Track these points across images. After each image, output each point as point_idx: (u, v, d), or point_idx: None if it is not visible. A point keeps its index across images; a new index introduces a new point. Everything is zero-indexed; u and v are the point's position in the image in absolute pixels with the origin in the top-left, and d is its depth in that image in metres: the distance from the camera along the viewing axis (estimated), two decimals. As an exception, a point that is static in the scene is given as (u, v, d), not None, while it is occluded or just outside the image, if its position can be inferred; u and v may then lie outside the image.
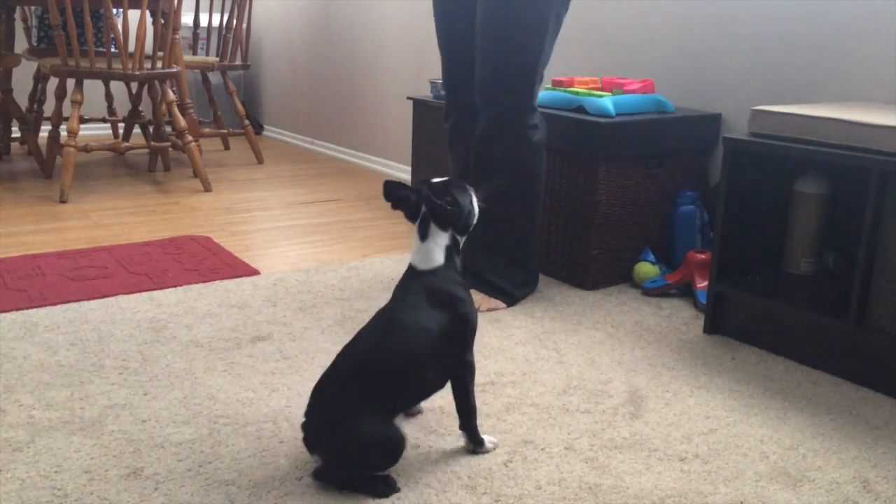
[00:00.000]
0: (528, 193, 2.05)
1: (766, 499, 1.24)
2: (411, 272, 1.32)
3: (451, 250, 1.32)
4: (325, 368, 1.23)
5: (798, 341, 1.75)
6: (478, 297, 2.00)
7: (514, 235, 2.07)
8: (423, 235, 1.30)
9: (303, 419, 1.26)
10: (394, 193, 1.31)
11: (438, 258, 1.30)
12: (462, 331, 1.30)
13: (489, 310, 2.01)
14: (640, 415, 1.49)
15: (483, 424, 1.41)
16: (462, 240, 1.35)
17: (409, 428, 1.40)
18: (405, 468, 1.28)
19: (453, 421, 1.41)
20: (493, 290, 2.05)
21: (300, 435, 1.35)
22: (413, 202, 1.31)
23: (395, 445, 1.22)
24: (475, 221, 1.37)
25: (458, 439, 1.37)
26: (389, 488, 1.23)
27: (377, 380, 1.23)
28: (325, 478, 1.24)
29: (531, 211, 2.07)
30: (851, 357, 1.66)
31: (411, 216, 1.32)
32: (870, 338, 1.62)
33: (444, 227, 1.31)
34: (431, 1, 2.15)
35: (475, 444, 1.35)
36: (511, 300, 2.06)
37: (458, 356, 1.31)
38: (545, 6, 1.94)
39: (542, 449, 1.36)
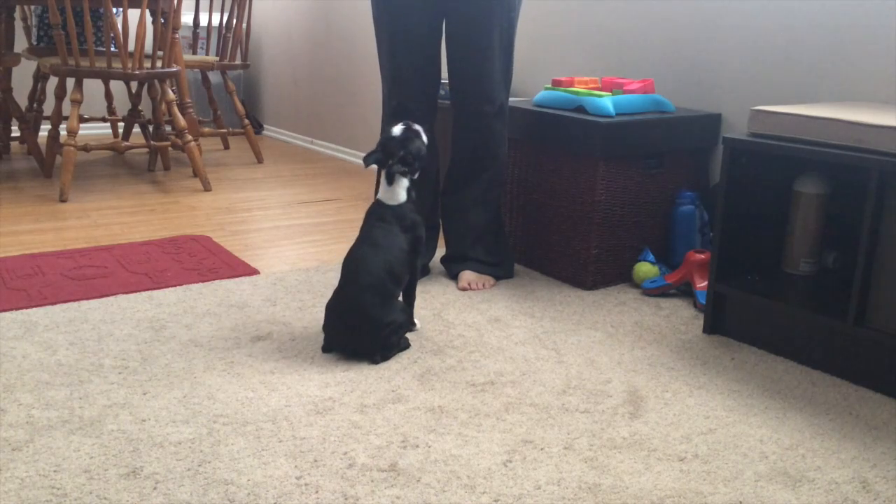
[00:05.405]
0: (504, 177, 2.26)
1: (766, 499, 1.24)
2: (380, 205, 1.77)
3: (409, 190, 1.78)
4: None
5: (797, 341, 1.75)
6: (472, 277, 2.18)
7: (498, 215, 2.25)
8: (390, 181, 1.76)
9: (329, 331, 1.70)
10: (370, 160, 1.76)
11: (402, 197, 1.76)
12: (419, 244, 1.79)
13: (485, 287, 2.18)
14: (640, 415, 1.49)
15: (482, 424, 1.43)
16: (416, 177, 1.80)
17: (409, 427, 1.41)
18: (405, 468, 1.28)
19: (453, 420, 1.43)
20: (486, 268, 2.21)
21: (300, 434, 1.36)
22: (383, 160, 1.76)
23: (405, 319, 1.75)
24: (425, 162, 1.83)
25: (457, 438, 1.37)
26: (407, 341, 1.75)
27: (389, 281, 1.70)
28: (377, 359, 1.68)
29: (501, 193, 2.29)
30: (851, 357, 1.66)
31: (383, 166, 1.77)
32: (869, 338, 1.62)
33: (405, 175, 1.77)
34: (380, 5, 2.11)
35: (409, 323, 1.81)
36: (500, 272, 2.23)
37: (414, 262, 1.78)
38: (519, 2, 2.13)
39: (542, 449, 1.36)
